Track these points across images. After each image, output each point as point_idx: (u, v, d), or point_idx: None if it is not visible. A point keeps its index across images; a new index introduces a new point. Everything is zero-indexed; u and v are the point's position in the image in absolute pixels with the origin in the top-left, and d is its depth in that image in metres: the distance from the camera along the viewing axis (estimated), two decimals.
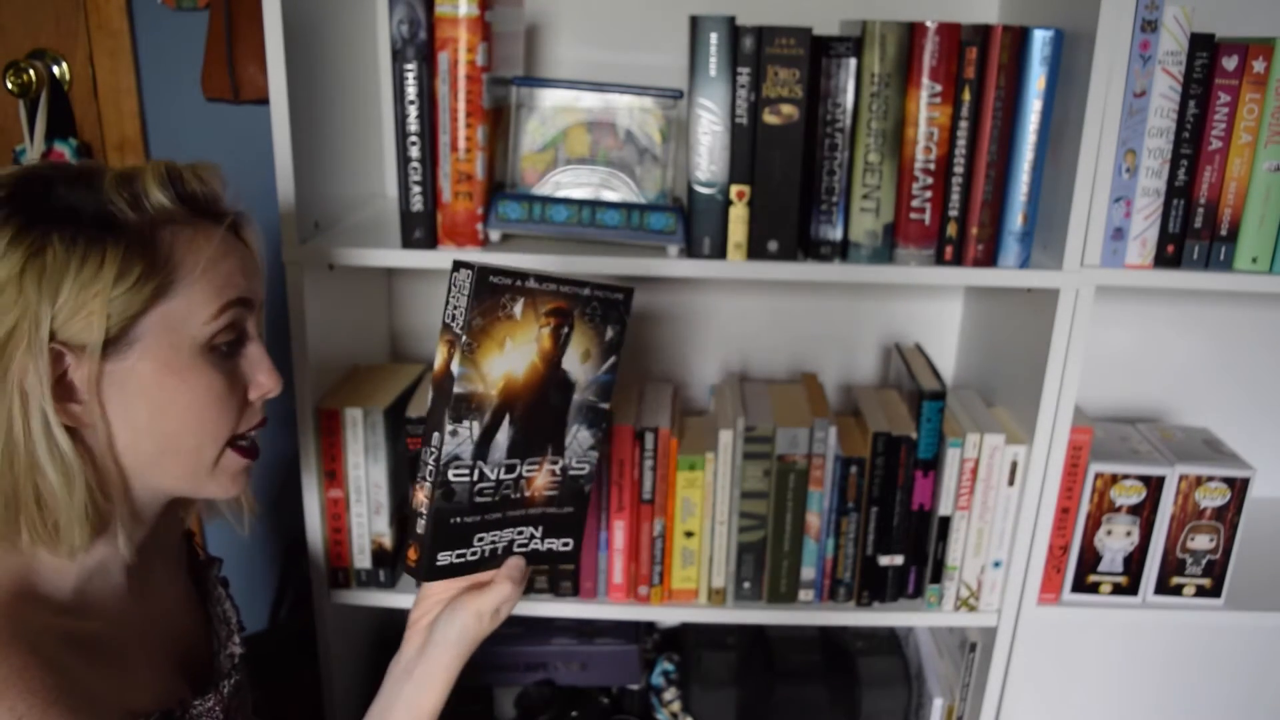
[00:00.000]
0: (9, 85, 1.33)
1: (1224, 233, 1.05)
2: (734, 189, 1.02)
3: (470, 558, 0.83)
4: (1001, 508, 1.14)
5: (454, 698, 0.87)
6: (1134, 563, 1.17)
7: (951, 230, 1.03)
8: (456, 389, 0.78)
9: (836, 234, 1.04)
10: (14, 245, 0.66)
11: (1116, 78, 0.98)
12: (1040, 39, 0.97)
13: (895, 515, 1.14)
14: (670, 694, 1.37)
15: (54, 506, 0.69)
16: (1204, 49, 0.99)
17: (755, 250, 1.03)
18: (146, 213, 0.71)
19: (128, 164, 0.74)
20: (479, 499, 0.82)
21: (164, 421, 0.73)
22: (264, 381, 0.79)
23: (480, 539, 0.83)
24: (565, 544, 0.90)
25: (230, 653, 0.89)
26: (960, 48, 0.98)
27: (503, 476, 0.83)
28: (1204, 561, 1.16)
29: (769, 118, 0.99)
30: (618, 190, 1.07)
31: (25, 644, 0.65)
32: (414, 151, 1.00)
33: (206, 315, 0.73)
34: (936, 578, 1.17)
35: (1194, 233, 1.05)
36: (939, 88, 0.98)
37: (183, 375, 0.72)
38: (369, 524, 1.15)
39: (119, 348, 0.70)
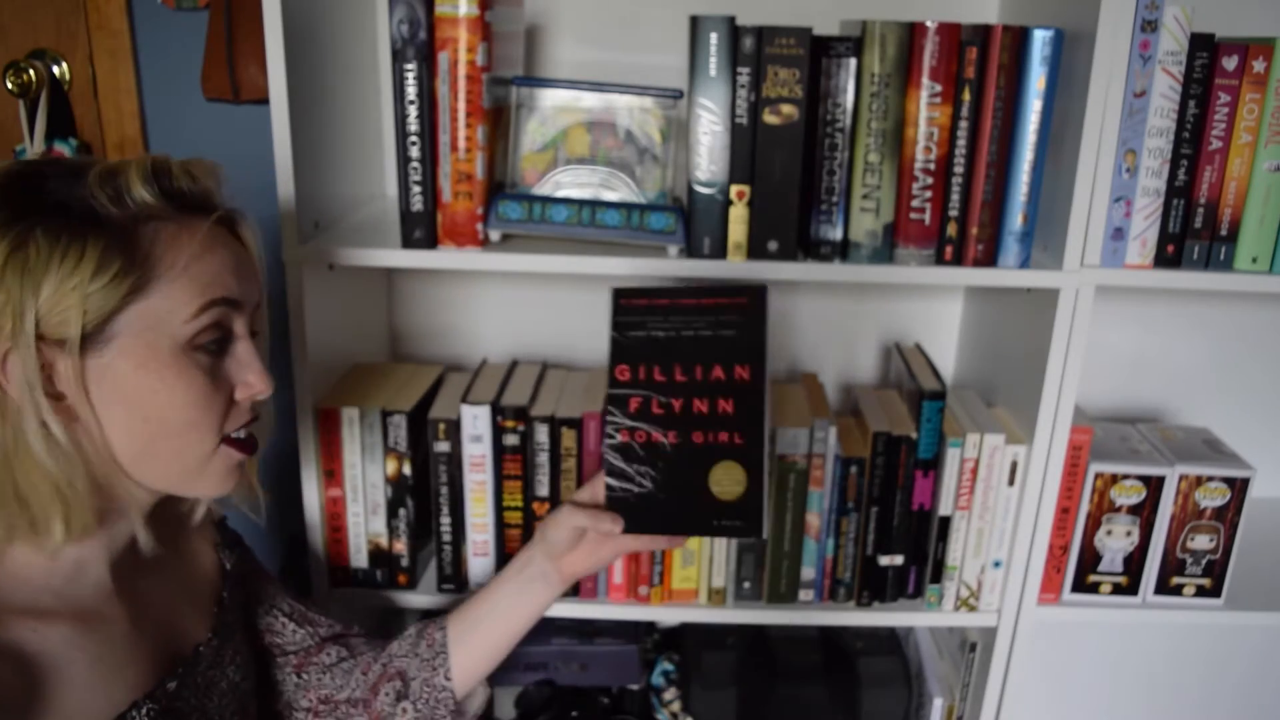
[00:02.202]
0: (9, 85, 1.32)
1: (1224, 233, 1.05)
2: (734, 189, 1.01)
3: None
4: (1001, 508, 1.14)
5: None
6: (1134, 563, 1.17)
7: (951, 230, 1.03)
8: None
9: (836, 234, 1.04)
10: None
11: (1116, 78, 0.98)
12: (1040, 39, 0.97)
13: (895, 515, 1.14)
14: (670, 694, 1.37)
15: (36, 502, 0.69)
16: (1204, 49, 0.99)
17: (755, 250, 1.03)
18: (129, 208, 0.70)
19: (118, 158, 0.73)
20: None
21: (145, 420, 0.72)
22: (252, 382, 0.77)
23: None
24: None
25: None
26: (960, 48, 0.98)
27: None
28: (1204, 561, 1.16)
29: (769, 118, 0.99)
30: (618, 190, 1.07)
31: None
32: (414, 151, 1.00)
33: (186, 314, 0.71)
34: (936, 578, 1.17)
35: (1194, 233, 1.05)
36: (939, 88, 0.98)
37: (161, 374, 0.71)
38: (365, 524, 1.15)
39: (97, 344, 0.69)
